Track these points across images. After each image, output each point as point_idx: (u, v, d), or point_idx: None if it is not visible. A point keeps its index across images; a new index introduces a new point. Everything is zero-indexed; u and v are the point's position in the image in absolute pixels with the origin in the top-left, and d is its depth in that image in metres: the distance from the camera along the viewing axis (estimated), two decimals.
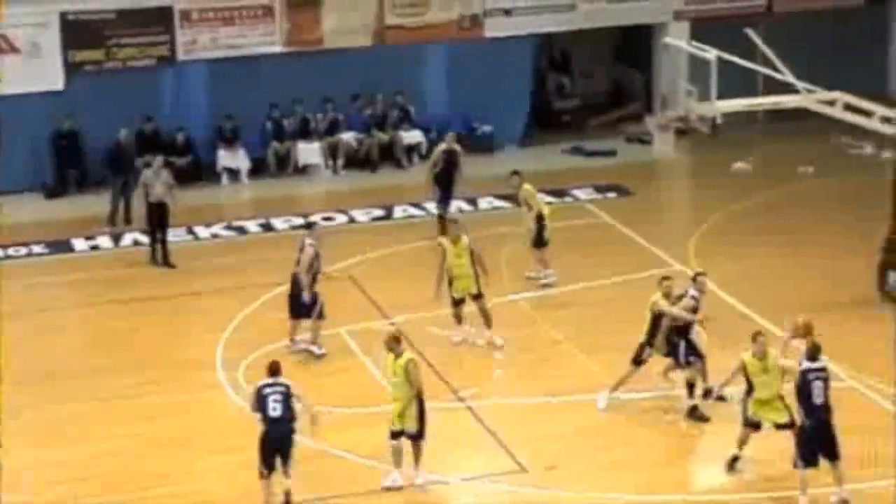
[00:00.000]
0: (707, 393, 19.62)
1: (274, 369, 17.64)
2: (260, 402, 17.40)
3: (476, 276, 21.86)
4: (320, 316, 21.74)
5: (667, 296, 19.68)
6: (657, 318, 19.60)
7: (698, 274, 20.10)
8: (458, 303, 22.03)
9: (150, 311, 23.91)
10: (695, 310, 19.56)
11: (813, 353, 17.32)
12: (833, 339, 21.14)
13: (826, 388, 17.07)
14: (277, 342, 21.87)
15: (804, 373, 17.12)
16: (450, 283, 21.94)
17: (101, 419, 20.02)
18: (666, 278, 20.11)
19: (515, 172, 24.81)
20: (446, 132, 27.94)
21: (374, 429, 18.95)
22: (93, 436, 19.50)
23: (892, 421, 19.14)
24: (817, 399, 17.00)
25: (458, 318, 22.12)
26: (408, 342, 21.71)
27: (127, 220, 27.71)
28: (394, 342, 18.12)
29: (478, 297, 21.96)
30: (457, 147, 27.20)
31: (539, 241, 24.31)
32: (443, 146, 27.20)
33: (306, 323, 21.87)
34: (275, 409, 17.33)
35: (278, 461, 17.35)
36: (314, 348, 21.75)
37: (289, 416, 17.38)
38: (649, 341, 19.67)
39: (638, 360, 19.77)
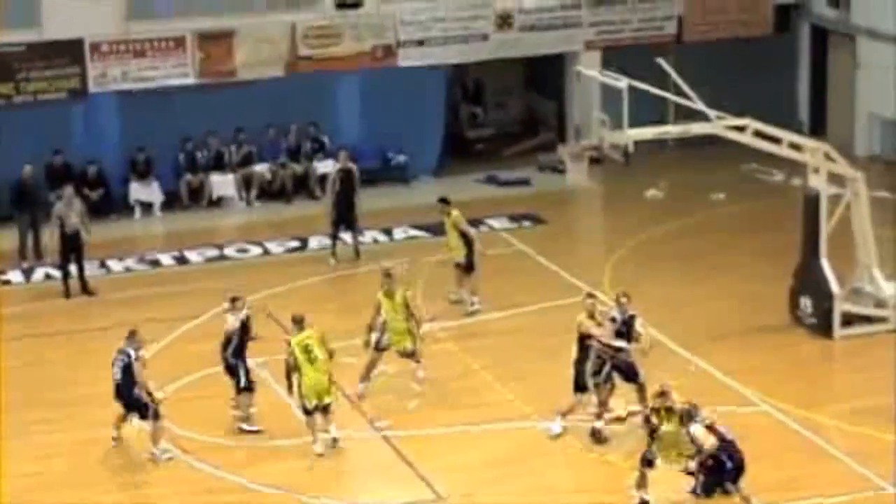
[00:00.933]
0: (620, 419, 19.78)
1: (129, 335, 19.55)
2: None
3: (411, 332, 21.09)
4: (242, 389, 20.26)
5: (591, 315, 19.67)
6: (584, 338, 19.57)
7: (621, 295, 20.14)
8: (381, 349, 21.27)
9: (59, 346, 23.63)
10: (619, 333, 19.57)
11: (692, 415, 17.34)
12: (746, 363, 21.46)
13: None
14: (190, 376, 21.72)
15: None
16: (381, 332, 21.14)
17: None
18: (590, 295, 20.07)
19: (443, 200, 24.75)
20: (361, 162, 27.93)
21: (287, 461, 18.89)
22: None
23: (804, 443, 19.39)
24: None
25: (370, 369, 21.20)
26: None
27: (38, 255, 27.44)
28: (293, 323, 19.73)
29: (411, 354, 21.25)
30: (352, 165, 27.21)
31: (471, 266, 24.30)
32: (338, 166, 27.23)
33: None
34: (115, 375, 19.39)
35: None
36: (244, 426, 20.27)
37: (127, 382, 19.32)
38: (579, 361, 19.61)
39: (580, 387, 19.68)
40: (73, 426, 20.59)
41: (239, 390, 20.23)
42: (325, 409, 19.46)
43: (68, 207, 25.73)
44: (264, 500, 18.40)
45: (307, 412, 19.41)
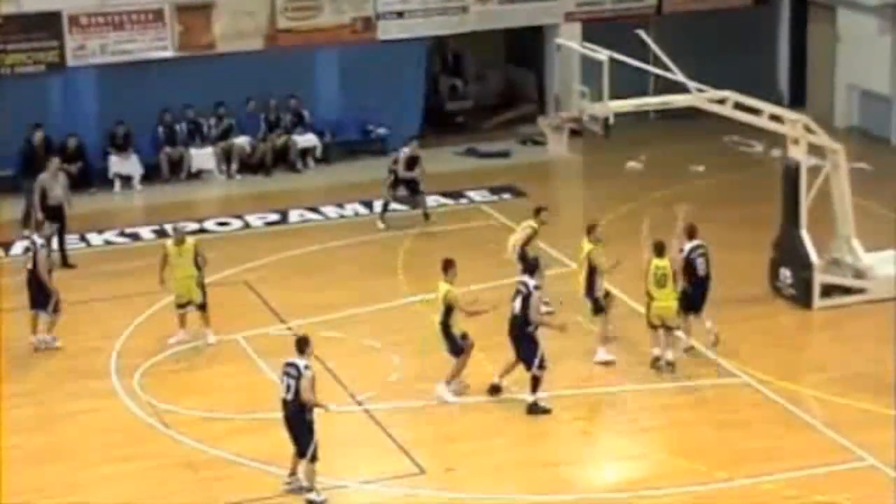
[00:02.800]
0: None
1: (300, 347, 17.61)
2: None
3: None
4: (56, 310, 22.14)
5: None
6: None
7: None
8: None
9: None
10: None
11: (691, 234, 21.22)
12: (725, 334, 21.48)
13: (707, 262, 21.15)
14: (171, 349, 21.74)
15: (689, 251, 21.09)
16: None
17: None
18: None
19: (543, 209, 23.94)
20: (341, 134, 27.86)
21: (269, 434, 18.90)
22: None
23: (783, 414, 19.46)
24: (701, 272, 21.15)
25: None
26: None
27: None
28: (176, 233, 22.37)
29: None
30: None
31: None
32: (406, 150, 27.33)
33: (44, 316, 22.20)
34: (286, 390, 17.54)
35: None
36: (51, 340, 22.17)
37: (292, 398, 17.43)
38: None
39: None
40: (53, 399, 20.58)
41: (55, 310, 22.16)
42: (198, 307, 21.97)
43: (54, 179, 25.64)
44: (244, 473, 18.40)
45: (180, 307, 22.01)
